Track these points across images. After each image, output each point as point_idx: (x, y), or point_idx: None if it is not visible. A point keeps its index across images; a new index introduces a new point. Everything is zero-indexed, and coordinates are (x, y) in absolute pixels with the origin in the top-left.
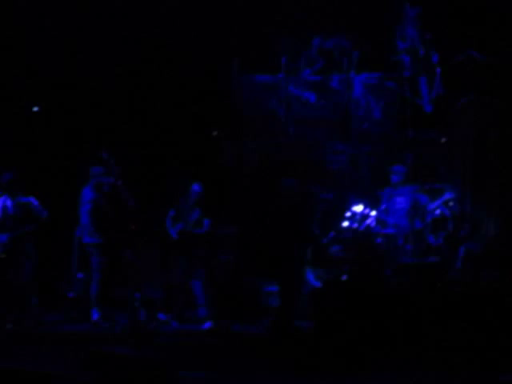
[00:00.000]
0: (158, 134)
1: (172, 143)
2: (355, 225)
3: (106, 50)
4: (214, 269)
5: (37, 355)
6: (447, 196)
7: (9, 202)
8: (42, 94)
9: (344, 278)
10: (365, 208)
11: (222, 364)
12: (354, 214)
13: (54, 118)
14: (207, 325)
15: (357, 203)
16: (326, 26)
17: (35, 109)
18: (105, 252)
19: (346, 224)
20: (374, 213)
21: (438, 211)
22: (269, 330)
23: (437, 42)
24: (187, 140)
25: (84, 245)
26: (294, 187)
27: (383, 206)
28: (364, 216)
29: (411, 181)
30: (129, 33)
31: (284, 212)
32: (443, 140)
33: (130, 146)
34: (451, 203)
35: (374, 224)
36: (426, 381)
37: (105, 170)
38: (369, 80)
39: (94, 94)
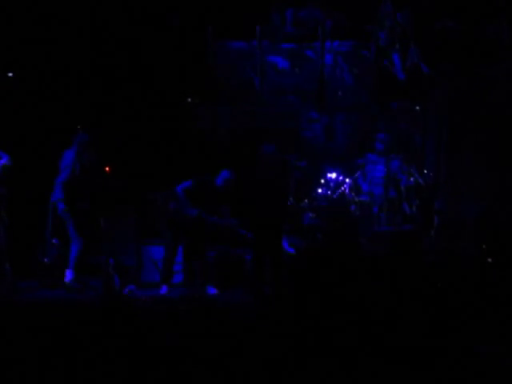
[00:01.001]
0: (133, 101)
1: (147, 110)
2: (329, 192)
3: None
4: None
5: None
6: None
7: None
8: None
9: (318, 245)
10: (339, 175)
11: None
12: (328, 181)
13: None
14: (164, 289)
15: (331, 171)
16: None
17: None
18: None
19: (319, 191)
20: (348, 180)
21: (412, 179)
22: (252, 297)
23: (413, 11)
24: (163, 107)
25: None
26: (273, 153)
27: (358, 174)
28: (338, 183)
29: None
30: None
31: (264, 178)
32: (417, 108)
33: (104, 114)
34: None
35: (348, 191)
36: (398, 349)
37: (89, 138)
38: (343, 48)
39: (68, 66)
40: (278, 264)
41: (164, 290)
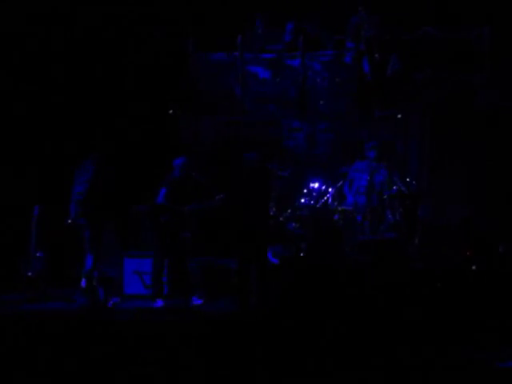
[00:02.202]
0: (116, 112)
1: (130, 122)
2: (312, 201)
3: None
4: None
5: None
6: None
7: None
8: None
9: (302, 255)
10: (321, 184)
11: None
12: (311, 190)
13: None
14: (159, 303)
15: (314, 180)
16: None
17: None
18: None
19: (302, 201)
20: (330, 189)
21: (395, 187)
22: (237, 308)
23: (393, 20)
24: (145, 118)
25: None
26: (254, 162)
27: (343, 182)
28: (321, 192)
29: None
30: (84, 12)
31: (246, 187)
32: (399, 116)
33: (86, 127)
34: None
35: (331, 200)
36: (388, 356)
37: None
38: (324, 57)
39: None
40: (263, 274)
41: (159, 303)
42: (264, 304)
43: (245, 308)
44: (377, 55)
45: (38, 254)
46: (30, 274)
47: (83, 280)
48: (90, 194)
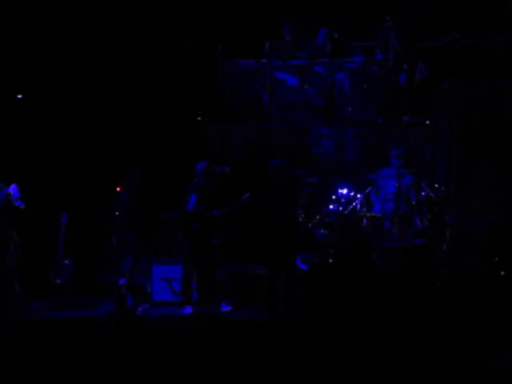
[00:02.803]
0: (144, 120)
1: (159, 129)
2: (340, 208)
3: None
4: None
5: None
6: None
7: None
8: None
9: (330, 261)
10: (350, 191)
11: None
12: (340, 197)
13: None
14: (188, 309)
15: (342, 186)
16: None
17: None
18: None
19: (331, 207)
20: (359, 195)
21: (423, 193)
22: (265, 315)
23: (420, 27)
24: (174, 126)
25: None
26: (281, 168)
27: (371, 189)
28: (349, 199)
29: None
30: (112, 17)
31: (273, 193)
32: (427, 122)
33: (116, 131)
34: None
35: (359, 207)
36: (414, 364)
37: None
38: (352, 64)
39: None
40: (292, 280)
41: (188, 310)
42: (292, 311)
43: (273, 315)
44: (405, 64)
45: (66, 262)
46: (58, 281)
47: (122, 279)
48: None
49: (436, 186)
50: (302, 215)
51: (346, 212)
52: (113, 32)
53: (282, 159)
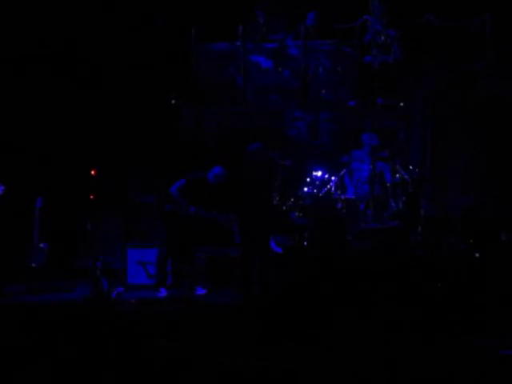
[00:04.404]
0: (118, 102)
1: (132, 112)
2: (315, 191)
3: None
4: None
5: None
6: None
7: None
8: None
9: (305, 244)
10: (324, 173)
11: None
12: (314, 179)
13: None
14: (162, 292)
15: (316, 169)
16: None
17: None
18: None
19: (305, 190)
20: (333, 178)
21: (397, 175)
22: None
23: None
24: (147, 108)
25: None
26: (259, 152)
27: (344, 172)
28: (324, 182)
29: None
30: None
31: (251, 178)
32: (401, 104)
33: (89, 116)
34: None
35: (333, 189)
36: (391, 345)
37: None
38: (326, 46)
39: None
40: (266, 263)
41: (163, 292)
42: (267, 293)
43: (248, 297)
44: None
45: (41, 246)
46: (33, 265)
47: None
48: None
49: (410, 168)
50: (277, 198)
51: (320, 195)
52: (88, 13)
53: (259, 143)
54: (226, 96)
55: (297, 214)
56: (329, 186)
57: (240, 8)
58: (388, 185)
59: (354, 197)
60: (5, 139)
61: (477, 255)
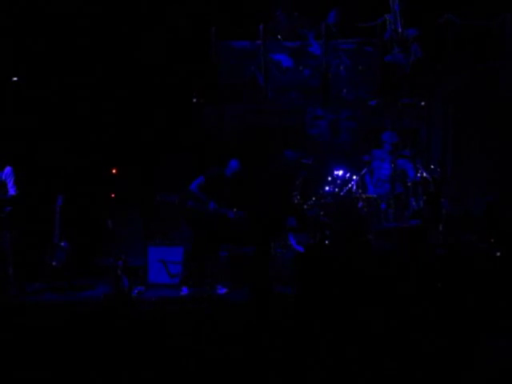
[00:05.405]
0: (139, 102)
1: (154, 111)
2: (336, 189)
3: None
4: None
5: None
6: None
7: None
8: None
9: (326, 242)
10: (345, 172)
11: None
12: (335, 178)
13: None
14: (184, 291)
15: (337, 168)
16: None
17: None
18: None
19: (327, 189)
20: (354, 177)
21: (418, 175)
22: (250, 296)
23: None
24: (169, 107)
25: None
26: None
27: (365, 171)
28: (345, 180)
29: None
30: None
31: (276, 182)
32: (423, 104)
33: (111, 116)
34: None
35: (355, 188)
36: (410, 343)
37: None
38: (347, 45)
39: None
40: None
41: (184, 291)
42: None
43: (261, 296)
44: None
45: (62, 244)
46: (54, 263)
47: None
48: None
49: (432, 167)
50: (298, 197)
51: (341, 193)
52: (107, 13)
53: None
54: (247, 94)
55: (318, 212)
56: (350, 185)
57: (261, 6)
58: (409, 184)
59: (375, 196)
60: (26, 138)
61: (498, 254)
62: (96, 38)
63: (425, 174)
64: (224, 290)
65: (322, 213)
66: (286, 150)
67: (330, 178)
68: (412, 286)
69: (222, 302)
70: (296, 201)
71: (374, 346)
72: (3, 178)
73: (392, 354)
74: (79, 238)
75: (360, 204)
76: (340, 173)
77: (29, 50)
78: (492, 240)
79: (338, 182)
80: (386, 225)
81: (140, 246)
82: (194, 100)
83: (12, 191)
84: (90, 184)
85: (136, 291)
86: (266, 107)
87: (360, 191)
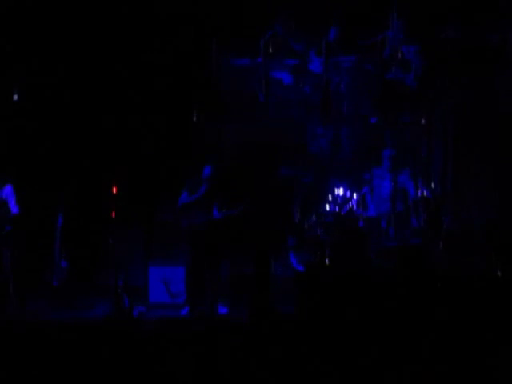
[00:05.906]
0: (138, 119)
1: (153, 128)
2: (337, 208)
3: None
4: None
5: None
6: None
7: None
8: None
9: (326, 261)
10: (346, 191)
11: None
12: (336, 197)
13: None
14: (185, 310)
15: (338, 186)
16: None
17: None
18: None
19: (327, 207)
20: (355, 196)
21: (419, 193)
22: (250, 316)
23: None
24: (169, 124)
25: None
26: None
27: (365, 189)
28: (345, 199)
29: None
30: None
31: (277, 199)
32: (423, 121)
33: (110, 133)
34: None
35: (355, 207)
36: (411, 361)
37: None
38: (347, 63)
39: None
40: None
41: (185, 311)
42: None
43: (259, 315)
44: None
45: (62, 264)
46: (54, 282)
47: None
48: None
49: (432, 185)
50: (298, 215)
51: (342, 212)
52: (110, 26)
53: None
54: (247, 111)
55: (319, 231)
56: (351, 204)
57: (261, 23)
58: (409, 202)
59: (375, 214)
60: (25, 156)
61: (499, 274)
62: (93, 54)
63: (425, 193)
64: (225, 310)
65: (322, 232)
66: (284, 167)
67: (330, 197)
68: (412, 304)
69: (222, 321)
70: (296, 219)
71: (375, 366)
72: (4, 196)
73: (392, 376)
74: (80, 258)
75: (361, 223)
76: (341, 192)
77: (26, 61)
78: (493, 258)
79: (339, 200)
80: (387, 243)
81: (141, 265)
82: (195, 117)
83: (14, 210)
84: (91, 203)
85: (137, 311)
86: (267, 124)
87: (361, 210)
